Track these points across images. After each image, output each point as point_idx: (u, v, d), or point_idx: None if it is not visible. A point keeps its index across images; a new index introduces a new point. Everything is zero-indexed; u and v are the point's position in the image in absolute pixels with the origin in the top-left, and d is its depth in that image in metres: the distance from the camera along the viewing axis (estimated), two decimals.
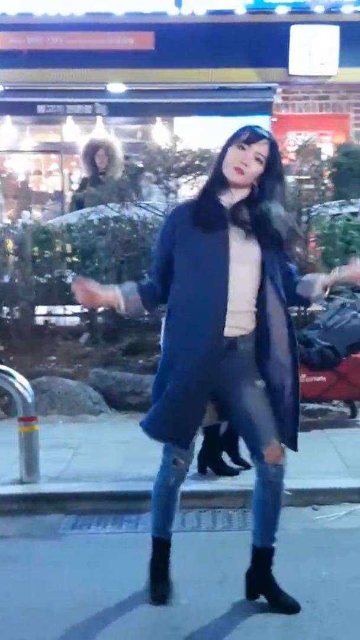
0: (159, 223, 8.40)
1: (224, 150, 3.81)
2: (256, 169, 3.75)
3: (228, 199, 3.81)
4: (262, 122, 13.75)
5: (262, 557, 4.01)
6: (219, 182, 3.82)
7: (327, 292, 3.91)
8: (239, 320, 3.78)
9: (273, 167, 3.80)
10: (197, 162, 8.44)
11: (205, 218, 3.77)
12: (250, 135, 3.76)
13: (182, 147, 8.61)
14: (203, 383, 3.83)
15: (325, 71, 13.86)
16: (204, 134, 11.53)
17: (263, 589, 4.02)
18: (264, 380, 3.83)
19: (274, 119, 14.13)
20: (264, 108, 13.72)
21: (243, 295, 3.77)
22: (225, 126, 12.34)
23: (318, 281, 3.88)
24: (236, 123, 12.46)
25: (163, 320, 4.09)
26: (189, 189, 8.93)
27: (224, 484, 5.71)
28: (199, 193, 3.93)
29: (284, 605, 3.95)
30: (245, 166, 3.74)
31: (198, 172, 8.56)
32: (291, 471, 5.28)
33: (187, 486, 5.54)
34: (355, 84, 14.24)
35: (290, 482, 5.42)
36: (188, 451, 4.07)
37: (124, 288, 3.99)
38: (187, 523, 5.26)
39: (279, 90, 14.06)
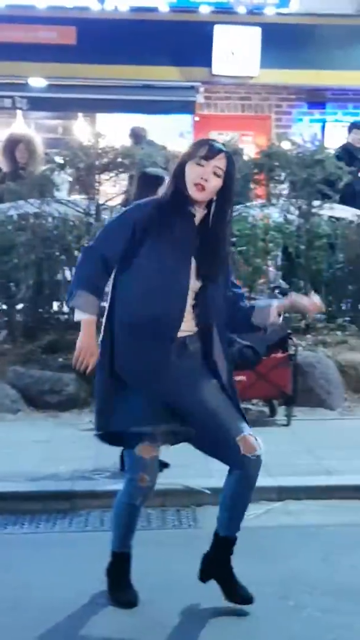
0: (79, 220, 8.38)
1: (181, 166, 3.83)
2: (216, 183, 3.78)
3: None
4: (185, 120, 13.86)
5: (224, 544, 4.02)
6: (178, 197, 3.84)
7: (281, 318, 3.98)
8: (185, 321, 3.85)
9: (231, 181, 3.85)
10: (119, 160, 8.43)
11: (176, 227, 3.81)
12: (208, 151, 3.79)
13: (105, 143, 8.58)
14: (155, 380, 3.83)
15: (247, 72, 13.96)
16: (126, 131, 11.53)
17: (220, 577, 4.03)
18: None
19: (197, 118, 14.20)
20: (187, 107, 13.78)
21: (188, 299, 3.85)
22: (148, 123, 12.42)
23: (272, 309, 3.94)
24: (159, 121, 12.54)
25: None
26: (110, 186, 8.92)
27: None
28: (166, 200, 3.91)
29: (239, 595, 3.98)
30: (206, 182, 3.77)
31: (120, 170, 8.56)
32: (210, 470, 5.36)
33: (103, 486, 5.62)
34: (276, 86, 14.39)
35: (210, 481, 5.53)
36: (153, 466, 3.97)
37: (90, 308, 3.92)
38: (105, 524, 5.25)
39: (201, 89, 14.12)
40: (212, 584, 4.01)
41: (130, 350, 3.83)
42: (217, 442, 3.86)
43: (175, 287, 3.79)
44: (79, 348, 3.91)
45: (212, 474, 5.67)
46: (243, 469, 3.84)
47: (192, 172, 3.79)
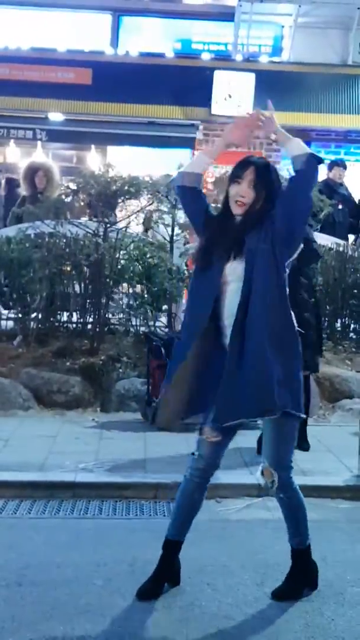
0: (89, 240, 8.37)
1: (227, 187, 3.86)
2: (255, 195, 3.76)
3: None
4: (185, 155, 13.86)
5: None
6: (225, 212, 3.86)
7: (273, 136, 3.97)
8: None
9: (270, 185, 3.80)
10: (126, 187, 8.42)
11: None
12: (240, 169, 3.80)
13: (114, 173, 8.58)
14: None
15: (242, 113, 13.90)
16: (134, 162, 11.53)
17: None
18: None
19: (196, 153, 14.19)
20: (188, 142, 13.77)
21: None
22: (153, 156, 12.41)
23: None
24: (162, 154, 12.51)
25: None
26: (118, 211, 8.90)
27: (137, 476, 5.70)
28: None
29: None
30: (243, 197, 3.77)
31: (127, 197, 8.55)
32: None
33: (103, 478, 5.60)
34: None
35: None
36: (210, 449, 3.88)
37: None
38: (103, 511, 5.23)
39: (200, 127, 14.12)
40: (200, 569, 3.98)
41: None
42: None
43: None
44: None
45: None
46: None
47: (231, 191, 3.83)
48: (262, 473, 3.91)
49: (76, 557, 4.41)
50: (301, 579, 4.03)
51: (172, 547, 3.98)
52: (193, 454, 3.93)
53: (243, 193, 3.76)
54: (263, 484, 3.90)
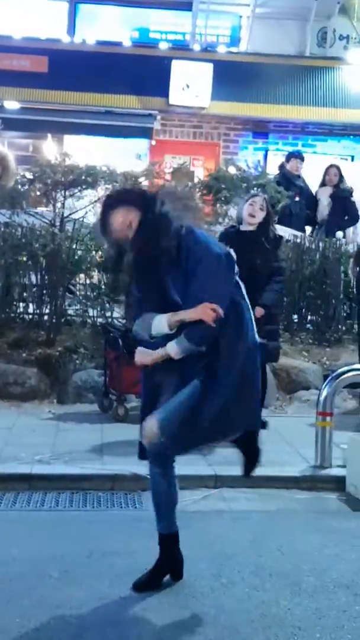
0: (45, 230, 8.32)
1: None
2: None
3: None
4: (143, 144, 13.85)
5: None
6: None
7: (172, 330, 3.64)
8: None
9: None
10: (83, 177, 8.38)
11: None
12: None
13: (71, 162, 8.52)
14: None
15: (200, 103, 13.97)
16: (91, 151, 11.47)
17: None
18: None
19: (153, 143, 14.19)
20: (145, 132, 13.78)
21: None
22: (111, 146, 12.39)
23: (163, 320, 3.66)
24: (119, 144, 12.50)
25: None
26: (75, 201, 8.86)
27: (94, 468, 5.69)
28: None
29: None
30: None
31: (84, 186, 8.51)
32: None
33: (59, 469, 5.58)
34: (225, 116, 14.44)
35: None
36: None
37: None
38: (60, 503, 5.22)
39: (158, 117, 14.12)
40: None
41: None
42: None
43: None
44: None
45: None
46: None
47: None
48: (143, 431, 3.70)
49: (32, 550, 4.38)
50: (163, 567, 3.96)
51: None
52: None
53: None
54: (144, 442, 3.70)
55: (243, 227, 6.59)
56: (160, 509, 3.95)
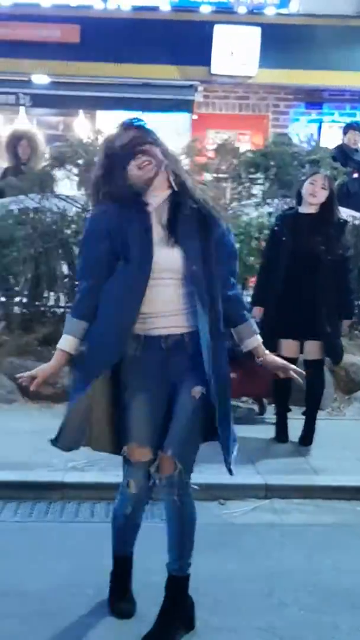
0: (77, 215, 8.33)
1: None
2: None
3: None
4: (183, 118, 13.81)
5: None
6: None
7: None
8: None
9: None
10: None
11: None
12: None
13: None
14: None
15: (246, 71, 13.89)
16: None
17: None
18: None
19: (195, 117, 14.14)
20: (185, 105, 13.74)
21: None
22: (148, 121, 12.42)
23: (251, 343, 3.81)
24: (157, 118, 12.48)
25: None
26: None
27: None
28: None
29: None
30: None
31: None
32: (200, 466, 5.30)
33: (94, 478, 5.59)
34: (274, 86, 14.32)
35: (198, 477, 5.49)
36: (141, 476, 3.73)
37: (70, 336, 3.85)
38: (95, 514, 5.25)
39: (200, 88, 14.06)
40: (201, 579, 3.97)
41: None
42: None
43: None
44: None
45: (202, 470, 5.67)
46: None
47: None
48: (157, 467, 3.66)
49: (66, 564, 4.43)
50: (176, 615, 3.76)
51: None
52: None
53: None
54: (156, 478, 3.66)
55: (302, 209, 6.45)
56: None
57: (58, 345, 3.86)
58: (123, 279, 3.60)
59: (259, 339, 3.82)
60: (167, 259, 3.59)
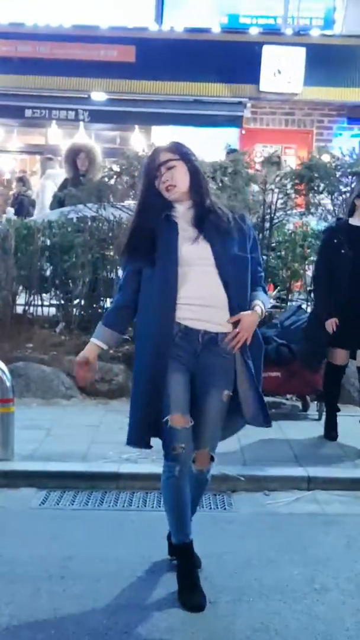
0: None
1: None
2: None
3: None
4: (233, 134, 13.81)
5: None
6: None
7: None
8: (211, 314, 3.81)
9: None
10: None
11: None
12: None
13: None
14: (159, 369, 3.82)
15: (292, 89, 13.86)
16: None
17: None
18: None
19: (243, 132, 14.13)
20: (235, 121, 13.73)
21: None
22: (199, 136, 12.43)
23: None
24: (208, 133, 12.49)
25: None
26: None
27: None
28: None
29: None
30: None
31: None
32: (246, 459, 5.32)
33: (147, 468, 5.61)
34: (318, 102, 14.27)
35: (245, 469, 5.52)
36: (185, 438, 3.80)
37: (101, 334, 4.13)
38: (147, 503, 5.26)
39: (248, 104, 14.06)
40: (248, 564, 3.99)
41: None
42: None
43: None
44: None
45: (247, 462, 5.69)
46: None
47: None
48: (194, 460, 3.87)
49: (119, 550, 4.44)
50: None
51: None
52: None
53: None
54: (195, 470, 3.89)
55: (353, 221, 6.25)
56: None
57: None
58: (157, 272, 3.77)
59: (257, 310, 3.92)
60: (195, 250, 3.77)
